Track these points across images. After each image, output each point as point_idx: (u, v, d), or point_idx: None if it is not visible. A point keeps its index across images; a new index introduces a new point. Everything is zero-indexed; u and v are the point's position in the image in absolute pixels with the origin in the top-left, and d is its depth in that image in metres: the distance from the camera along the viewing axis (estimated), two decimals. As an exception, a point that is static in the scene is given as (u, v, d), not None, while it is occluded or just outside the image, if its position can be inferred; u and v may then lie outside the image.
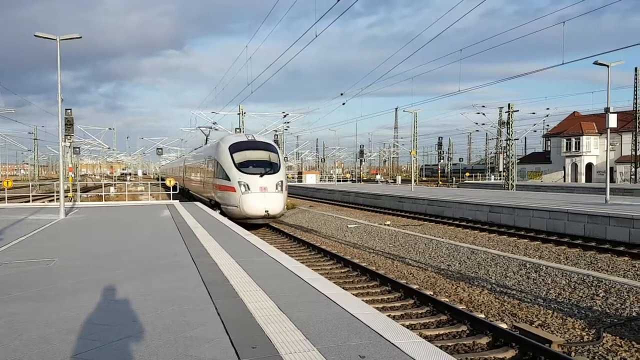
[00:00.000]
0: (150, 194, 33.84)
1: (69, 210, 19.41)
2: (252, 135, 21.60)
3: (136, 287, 6.41)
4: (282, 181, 18.98)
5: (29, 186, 38.66)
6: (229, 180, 18.86)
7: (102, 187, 34.64)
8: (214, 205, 20.94)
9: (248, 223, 18.10)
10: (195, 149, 37.04)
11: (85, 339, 4.43)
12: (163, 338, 4.45)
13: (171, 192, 26.14)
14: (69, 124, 24.97)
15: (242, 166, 18.93)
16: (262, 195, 18.17)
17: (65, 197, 19.64)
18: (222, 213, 19.07)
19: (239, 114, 38.03)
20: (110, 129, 62.78)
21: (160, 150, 65.67)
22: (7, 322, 4.99)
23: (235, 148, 19.73)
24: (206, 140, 38.90)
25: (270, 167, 19.14)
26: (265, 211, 18.08)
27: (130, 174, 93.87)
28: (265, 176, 18.59)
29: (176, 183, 28.82)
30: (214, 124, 37.90)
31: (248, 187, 18.24)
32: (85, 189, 51.54)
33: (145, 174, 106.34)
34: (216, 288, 6.31)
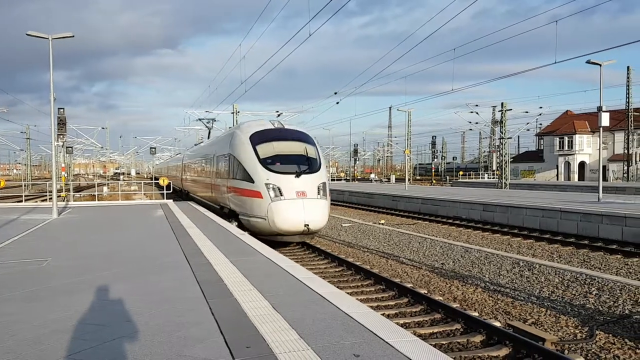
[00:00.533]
0: (144, 194, 33.73)
1: (61, 210, 19.30)
2: (279, 121, 16.35)
3: (130, 287, 6.39)
4: (324, 183, 14.37)
5: (21, 186, 38.39)
6: (252, 182, 14.12)
7: (95, 187, 34.48)
8: (229, 214, 16.18)
9: (278, 240, 13.91)
10: (196, 144, 34.51)
11: (79, 339, 4.41)
12: (157, 338, 4.44)
13: (164, 192, 26.07)
14: (61, 123, 24.85)
15: (269, 163, 14.21)
16: (301, 203, 13.47)
17: (58, 196, 19.53)
18: (241, 226, 14.53)
19: (232, 113, 37.95)
20: (103, 128, 62.75)
21: (153, 150, 65.58)
22: (0, 322, 4.96)
23: (258, 138, 14.92)
24: (209, 134, 36.32)
25: (308, 164, 14.43)
26: (305, 225, 13.31)
27: (123, 174, 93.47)
28: (303, 176, 13.91)
29: (170, 182, 28.17)
30: (208, 122, 37.62)
31: (280, 191, 13.54)
32: (78, 189, 51.24)
33: (138, 174, 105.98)
34: (210, 288, 6.30)
